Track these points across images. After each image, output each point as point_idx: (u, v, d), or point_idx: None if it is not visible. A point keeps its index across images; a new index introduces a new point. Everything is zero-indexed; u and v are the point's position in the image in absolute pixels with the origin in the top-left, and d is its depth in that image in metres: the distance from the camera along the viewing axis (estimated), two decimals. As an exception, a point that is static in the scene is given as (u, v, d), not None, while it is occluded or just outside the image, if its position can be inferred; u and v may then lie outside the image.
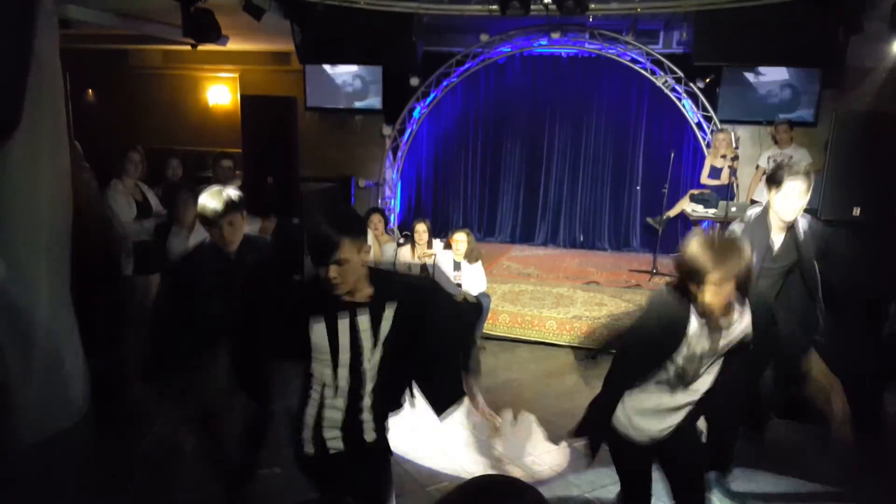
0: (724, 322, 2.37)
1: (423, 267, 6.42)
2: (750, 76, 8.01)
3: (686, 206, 7.44)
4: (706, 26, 6.38)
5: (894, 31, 4.94)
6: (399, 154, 8.95)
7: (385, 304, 2.32)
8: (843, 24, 5.52)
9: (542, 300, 6.70)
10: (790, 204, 3.19)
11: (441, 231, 8.31)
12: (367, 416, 2.40)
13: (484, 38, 8.08)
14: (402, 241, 7.02)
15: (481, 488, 1.01)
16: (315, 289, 2.24)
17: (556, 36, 7.83)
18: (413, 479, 3.96)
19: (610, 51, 7.97)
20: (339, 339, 2.26)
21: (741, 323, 2.41)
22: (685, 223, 8.39)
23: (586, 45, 8.01)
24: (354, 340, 2.28)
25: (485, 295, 6.21)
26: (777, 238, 3.33)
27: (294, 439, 2.41)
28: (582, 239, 9.32)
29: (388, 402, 2.48)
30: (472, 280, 6.25)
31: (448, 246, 6.29)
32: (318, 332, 2.25)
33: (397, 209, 9.25)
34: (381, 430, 2.49)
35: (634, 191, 9.08)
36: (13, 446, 3.98)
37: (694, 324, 2.37)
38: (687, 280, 2.30)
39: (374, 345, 2.31)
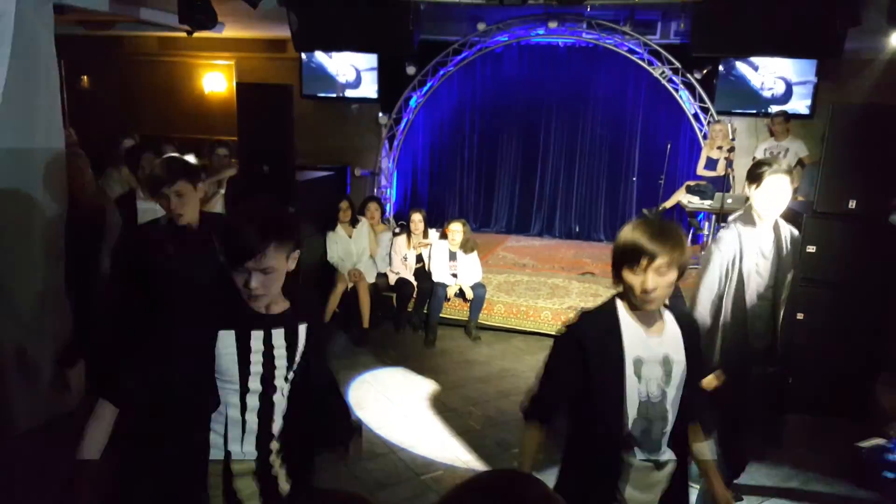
0: (656, 324, 2.03)
1: (419, 257, 6.43)
2: (747, 67, 8.01)
3: (682, 197, 7.46)
4: (704, 17, 6.36)
5: (892, 24, 4.93)
6: (395, 143, 8.93)
7: (298, 321, 1.99)
8: (841, 15, 5.51)
9: (538, 291, 6.71)
10: (771, 201, 3.10)
11: (437, 221, 8.30)
12: (276, 460, 2.02)
13: (481, 26, 8.05)
14: (397, 230, 7.02)
15: (487, 483, 1.01)
16: (226, 293, 1.88)
17: (553, 25, 7.80)
18: (407, 468, 3.98)
19: (607, 41, 7.95)
20: (250, 358, 1.89)
21: (672, 333, 2.06)
22: (681, 214, 8.40)
23: (583, 34, 7.98)
24: (268, 362, 1.92)
25: (480, 285, 6.23)
26: (766, 238, 3.20)
27: (188, 496, 1.93)
28: (577, 230, 9.33)
29: (301, 441, 2.09)
30: (467, 270, 6.26)
31: (444, 236, 6.30)
32: (226, 347, 1.87)
33: (393, 198, 9.24)
34: (297, 476, 2.08)
35: (630, 182, 9.08)
36: (10, 432, 3.99)
37: (628, 322, 2.01)
38: (623, 265, 1.95)
39: (288, 369, 1.97)
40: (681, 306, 2.27)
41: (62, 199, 4.27)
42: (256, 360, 1.90)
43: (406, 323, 6.33)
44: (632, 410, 1.99)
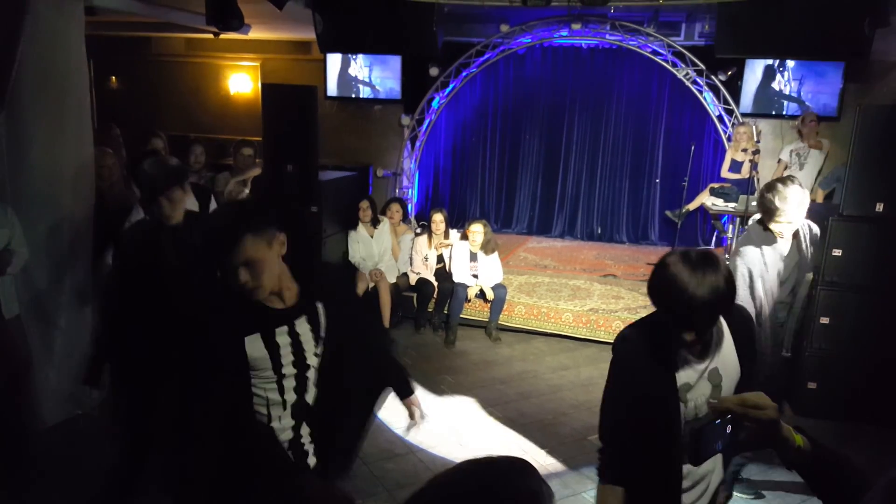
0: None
1: (440, 257, 6.45)
2: (772, 69, 7.92)
3: (706, 199, 7.40)
4: (728, 18, 6.31)
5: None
6: (417, 144, 8.95)
7: (315, 301, 2.06)
8: (869, 16, 5.44)
9: (559, 292, 6.69)
10: (790, 223, 3.08)
11: (458, 221, 8.33)
12: (306, 431, 2.12)
13: (504, 28, 8.05)
14: (419, 230, 7.05)
15: (483, 465, 1.02)
16: (242, 298, 1.91)
17: (576, 27, 7.78)
18: (427, 469, 3.99)
19: (631, 42, 7.91)
20: (280, 352, 1.98)
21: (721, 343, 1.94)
22: (705, 217, 8.34)
23: (607, 36, 7.94)
24: (297, 349, 2.01)
25: (501, 286, 6.23)
26: (785, 244, 3.21)
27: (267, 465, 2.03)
28: (600, 231, 9.29)
29: (334, 419, 2.16)
30: (487, 271, 6.27)
31: (465, 236, 6.31)
32: (257, 350, 1.95)
33: (415, 199, 9.27)
34: (325, 455, 2.17)
35: (654, 183, 9.02)
36: (34, 427, 4.07)
37: (682, 359, 1.88)
38: (669, 312, 1.78)
39: (316, 345, 2.06)
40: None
41: (90, 198, 4.36)
42: (286, 352, 1.99)
43: (426, 323, 6.35)
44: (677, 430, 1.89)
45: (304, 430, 2.11)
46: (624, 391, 1.92)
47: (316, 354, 2.06)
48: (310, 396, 2.09)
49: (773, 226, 3.12)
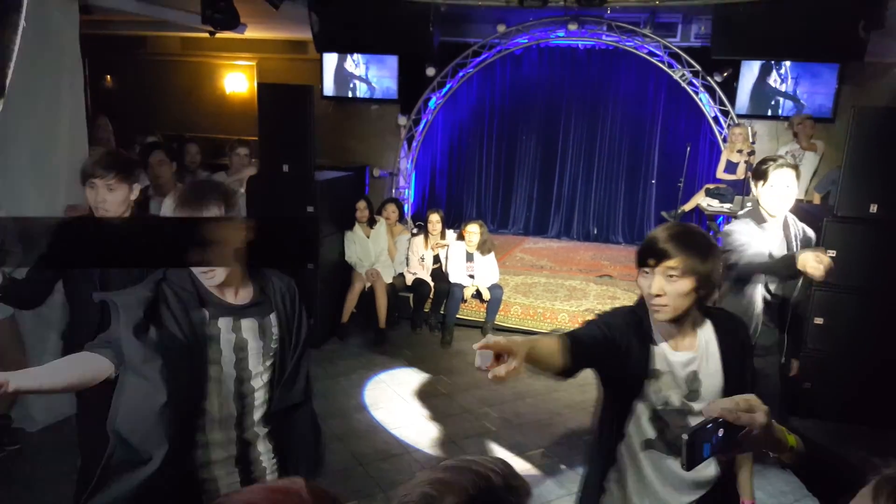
0: (686, 338, 1.89)
1: (436, 257, 6.45)
2: (768, 70, 7.94)
3: (701, 200, 7.41)
4: (725, 20, 6.33)
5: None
6: (414, 144, 8.95)
7: (269, 309, 1.94)
8: (864, 18, 5.45)
9: (555, 292, 6.70)
10: (778, 196, 3.08)
11: (455, 222, 8.32)
12: (259, 448, 1.98)
13: (501, 28, 8.05)
14: (415, 231, 7.04)
15: (454, 468, 1.02)
16: (191, 282, 1.83)
17: (573, 28, 7.78)
18: (422, 468, 3.99)
19: (627, 43, 7.92)
20: (220, 344, 1.84)
21: (706, 350, 1.91)
22: (700, 217, 8.35)
23: (603, 37, 7.96)
24: (239, 350, 1.88)
25: (497, 286, 6.23)
26: (774, 237, 3.17)
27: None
28: (596, 232, 9.30)
29: (284, 430, 2.03)
30: (484, 271, 6.27)
31: (461, 237, 6.31)
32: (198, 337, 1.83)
33: (411, 199, 9.26)
34: (283, 464, 2.04)
35: (649, 184, 9.04)
36: (26, 429, 4.05)
37: (653, 329, 1.89)
38: (637, 266, 1.85)
39: (264, 357, 1.93)
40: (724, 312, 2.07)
41: (84, 197, 4.34)
42: (227, 348, 1.85)
43: (423, 323, 6.35)
44: (643, 414, 1.89)
45: (256, 445, 1.97)
46: (607, 318, 1.92)
47: (266, 366, 1.94)
48: (257, 414, 1.95)
49: (762, 195, 3.12)
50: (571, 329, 1.89)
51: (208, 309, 1.85)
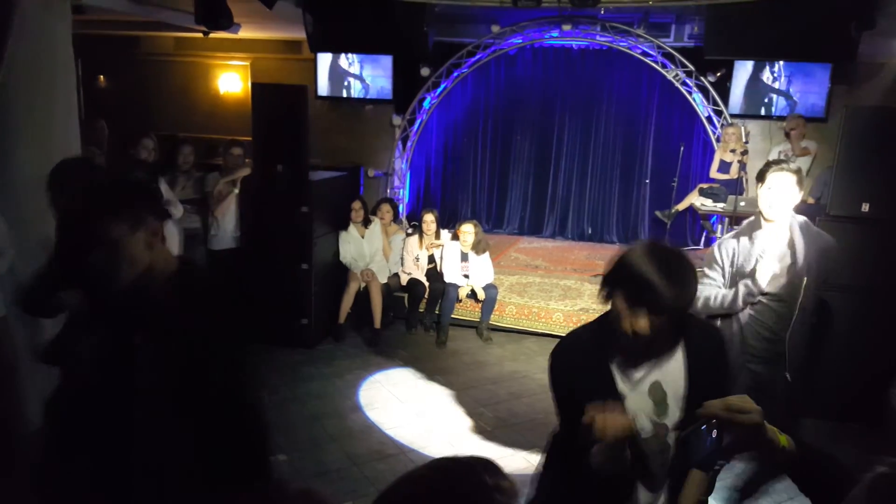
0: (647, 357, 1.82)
1: (431, 257, 6.46)
2: (761, 70, 7.97)
3: (695, 199, 7.43)
4: (717, 20, 6.36)
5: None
6: (409, 144, 8.96)
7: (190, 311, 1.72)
8: (856, 19, 5.48)
9: (550, 292, 6.71)
10: (774, 198, 3.01)
11: (450, 222, 8.33)
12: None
13: (495, 29, 8.06)
14: (410, 231, 7.05)
15: (447, 464, 1.02)
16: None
17: (567, 28, 7.80)
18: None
19: (621, 43, 7.94)
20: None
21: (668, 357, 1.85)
22: (694, 217, 8.39)
23: (597, 37, 7.97)
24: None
25: (492, 286, 6.24)
26: (776, 239, 3.10)
27: None
28: (590, 231, 9.32)
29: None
30: (478, 271, 6.28)
31: (455, 237, 6.32)
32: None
33: (406, 199, 9.26)
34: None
35: (643, 184, 9.06)
36: (20, 430, 4.04)
37: (615, 357, 1.83)
38: (619, 290, 1.76)
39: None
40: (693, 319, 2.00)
41: (79, 198, 4.33)
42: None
43: (417, 323, 6.36)
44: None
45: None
46: (560, 379, 1.89)
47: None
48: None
49: (760, 197, 3.08)
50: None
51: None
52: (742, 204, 6.87)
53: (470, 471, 1.01)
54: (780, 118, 7.71)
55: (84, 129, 5.61)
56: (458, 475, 1.01)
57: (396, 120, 8.93)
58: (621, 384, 1.82)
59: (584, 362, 1.85)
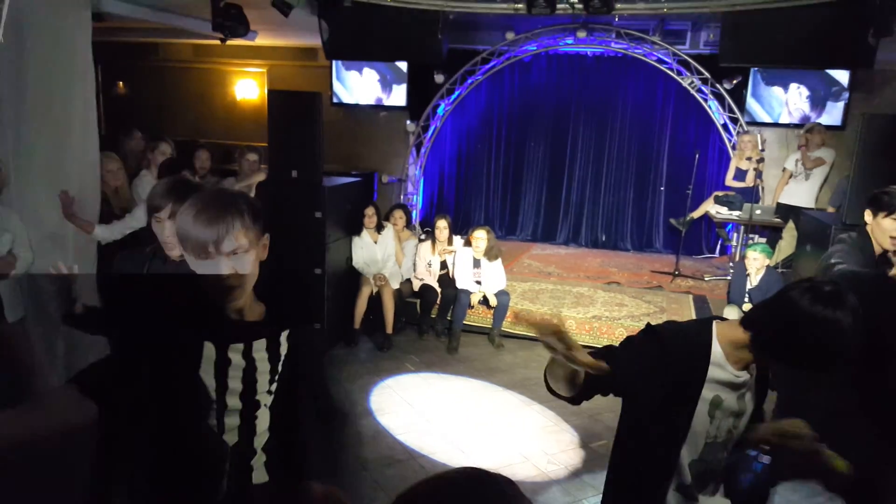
0: (750, 366, 1.74)
1: (444, 263, 6.46)
2: (778, 78, 7.93)
3: (710, 207, 7.40)
4: (733, 27, 6.32)
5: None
6: (422, 150, 8.99)
7: (280, 326, 1.75)
8: (873, 25, 5.44)
9: (562, 299, 6.69)
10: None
11: (463, 228, 8.34)
12: (259, 468, 1.82)
13: (510, 36, 8.09)
14: (422, 237, 7.06)
15: (447, 480, 1.03)
16: (194, 298, 1.62)
17: (581, 35, 7.81)
18: (427, 475, 3.98)
19: (636, 50, 7.93)
20: (228, 373, 1.66)
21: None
22: (709, 225, 8.34)
23: (612, 44, 7.97)
24: (248, 377, 1.69)
25: (504, 293, 6.23)
26: None
27: None
28: (604, 239, 9.29)
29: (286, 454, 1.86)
30: (491, 277, 6.27)
31: (468, 243, 6.32)
32: (205, 366, 1.64)
33: (419, 205, 9.30)
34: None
35: (658, 191, 9.02)
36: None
37: (719, 354, 1.72)
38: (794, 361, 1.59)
39: (270, 382, 1.74)
40: None
41: (95, 204, 4.39)
42: (235, 374, 1.67)
43: (429, 329, 6.36)
44: (692, 451, 1.73)
45: (256, 470, 1.82)
46: (652, 349, 1.73)
47: (269, 392, 1.76)
48: (259, 441, 1.80)
49: (881, 223, 2.95)
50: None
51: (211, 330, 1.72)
52: (758, 212, 6.83)
53: (492, 480, 1.01)
54: (798, 126, 7.66)
55: (122, 138, 5.69)
56: (481, 482, 1.01)
57: (410, 126, 8.97)
58: (721, 391, 1.71)
59: (682, 359, 1.72)
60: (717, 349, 1.71)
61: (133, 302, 1.67)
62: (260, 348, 1.70)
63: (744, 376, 1.72)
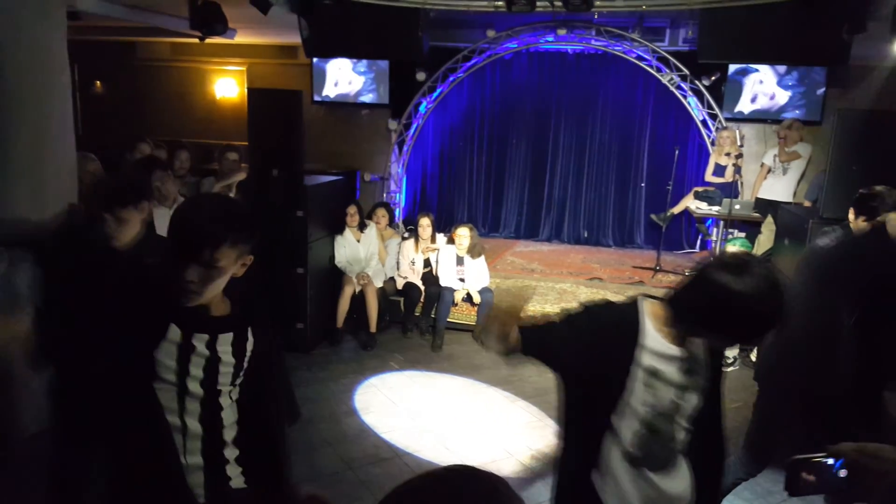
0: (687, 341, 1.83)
1: (427, 261, 6.47)
2: (755, 74, 8.01)
3: (690, 203, 7.47)
4: (711, 24, 6.38)
5: (895, 32, 4.93)
6: (405, 148, 8.98)
7: (246, 323, 1.83)
8: (847, 22, 5.52)
9: (546, 296, 6.72)
10: None
11: (446, 226, 8.34)
12: (232, 467, 1.85)
13: (490, 33, 8.09)
14: (406, 235, 7.06)
15: (438, 478, 1.03)
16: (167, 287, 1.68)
17: (562, 32, 7.84)
18: (412, 473, 3.98)
19: (616, 48, 7.97)
20: (191, 361, 1.71)
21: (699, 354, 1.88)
22: (689, 220, 8.41)
23: (592, 41, 8.01)
24: (211, 367, 1.74)
25: (487, 290, 6.25)
26: None
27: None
28: (586, 235, 9.33)
29: (262, 444, 1.92)
30: (474, 275, 6.29)
31: (451, 241, 6.33)
32: (166, 347, 1.68)
33: (402, 203, 9.28)
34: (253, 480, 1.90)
35: (639, 187, 9.08)
36: (16, 435, 4.03)
37: (651, 327, 1.83)
38: (724, 327, 1.70)
39: (235, 375, 1.80)
40: None
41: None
42: (198, 362, 1.72)
43: (413, 327, 6.36)
44: (632, 420, 1.83)
45: (229, 466, 1.84)
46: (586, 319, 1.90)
47: (234, 385, 1.81)
48: (228, 433, 1.83)
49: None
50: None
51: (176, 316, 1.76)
52: (737, 207, 6.90)
53: (485, 478, 1.01)
54: (776, 121, 7.75)
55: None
56: (473, 480, 1.01)
57: (392, 124, 8.96)
58: (656, 362, 1.82)
59: (611, 331, 1.87)
60: (646, 322, 1.83)
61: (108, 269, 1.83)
62: (225, 342, 1.76)
63: (679, 350, 1.82)
